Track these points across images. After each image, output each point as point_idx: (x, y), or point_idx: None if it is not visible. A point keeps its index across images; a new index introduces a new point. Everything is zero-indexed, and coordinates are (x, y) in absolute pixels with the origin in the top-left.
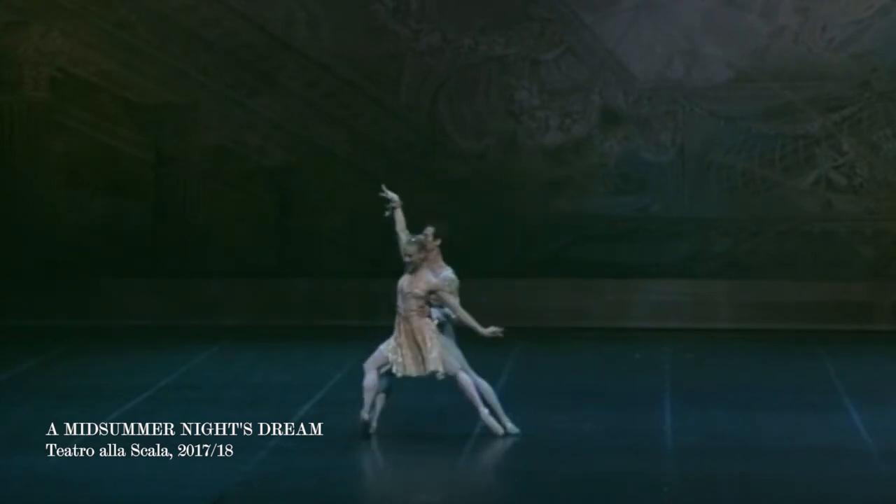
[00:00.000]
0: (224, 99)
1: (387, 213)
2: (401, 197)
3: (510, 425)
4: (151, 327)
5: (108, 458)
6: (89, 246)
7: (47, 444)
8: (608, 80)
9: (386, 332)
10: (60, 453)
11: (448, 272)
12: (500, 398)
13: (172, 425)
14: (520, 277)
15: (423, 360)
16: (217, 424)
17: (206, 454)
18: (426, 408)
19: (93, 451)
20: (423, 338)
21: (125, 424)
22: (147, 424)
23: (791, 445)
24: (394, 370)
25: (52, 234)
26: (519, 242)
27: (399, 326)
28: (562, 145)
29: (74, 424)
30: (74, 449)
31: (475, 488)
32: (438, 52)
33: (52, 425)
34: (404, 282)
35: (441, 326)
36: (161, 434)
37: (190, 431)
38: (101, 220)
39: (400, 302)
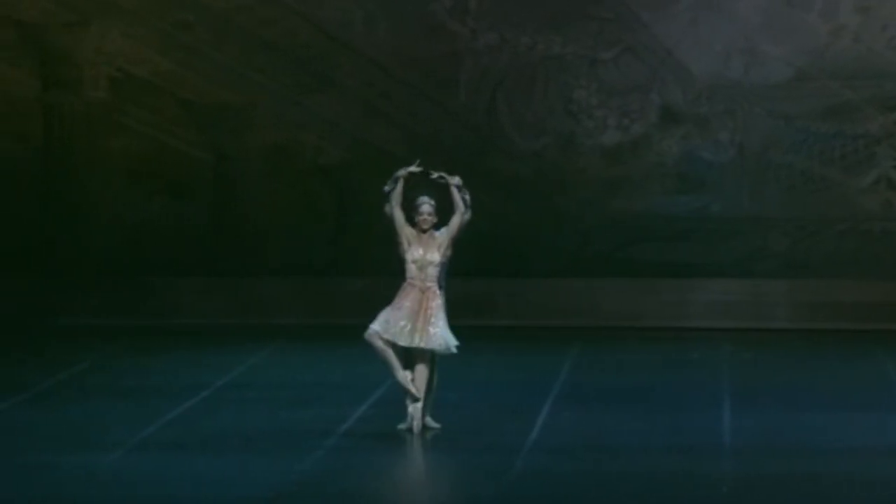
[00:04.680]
0: (281, 98)
1: (387, 187)
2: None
3: (428, 418)
4: (209, 326)
5: (164, 457)
6: (147, 245)
7: (104, 444)
8: (667, 80)
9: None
10: (117, 452)
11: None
12: (557, 398)
13: (229, 424)
14: (577, 277)
15: (424, 334)
16: (274, 423)
17: (263, 453)
18: (483, 406)
19: (149, 451)
20: (434, 312)
21: (182, 424)
22: (203, 423)
23: (850, 446)
24: (393, 337)
25: (110, 233)
26: (576, 242)
27: (410, 296)
28: (620, 144)
29: (131, 424)
30: (131, 448)
31: (531, 488)
32: (496, 52)
33: (109, 424)
34: (418, 252)
35: None
36: (217, 433)
37: (248, 430)
38: (158, 220)
39: (415, 273)
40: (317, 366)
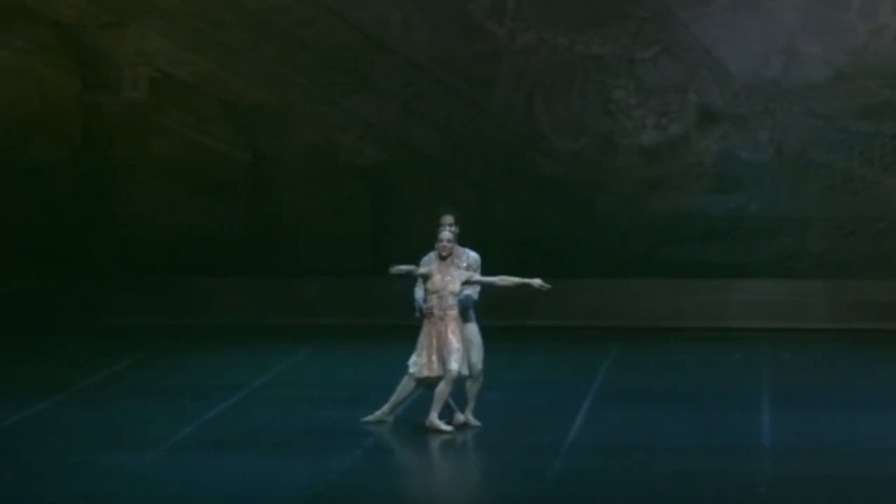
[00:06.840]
0: (319, 98)
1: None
2: (496, 197)
3: (470, 416)
4: (246, 326)
5: (202, 456)
6: (184, 245)
7: (143, 443)
8: (705, 79)
9: (484, 330)
10: (155, 451)
11: (473, 252)
12: (596, 398)
13: (267, 424)
14: (615, 277)
15: (445, 361)
16: (312, 423)
17: (301, 453)
18: (522, 406)
19: (187, 450)
20: (454, 338)
21: (220, 423)
22: (241, 423)
23: (889, 445)
24: (414, 371)
25: (148, 233)
26: (614, 242)
27: (432, 328)
28: (658, 144)
29: (169, 423)
30: (169, 447)
31: (570, 489)
32: (534, 52)
33: (148, 424)
34: (437, 281)
35: (464, 315)
36: (255, 433)
37: (285, 430)
38: (196, 220)
39: (434, 302)
40: (354, 365)
